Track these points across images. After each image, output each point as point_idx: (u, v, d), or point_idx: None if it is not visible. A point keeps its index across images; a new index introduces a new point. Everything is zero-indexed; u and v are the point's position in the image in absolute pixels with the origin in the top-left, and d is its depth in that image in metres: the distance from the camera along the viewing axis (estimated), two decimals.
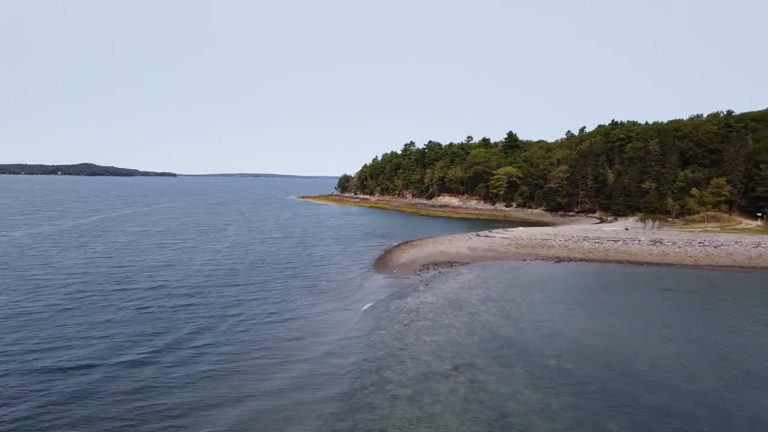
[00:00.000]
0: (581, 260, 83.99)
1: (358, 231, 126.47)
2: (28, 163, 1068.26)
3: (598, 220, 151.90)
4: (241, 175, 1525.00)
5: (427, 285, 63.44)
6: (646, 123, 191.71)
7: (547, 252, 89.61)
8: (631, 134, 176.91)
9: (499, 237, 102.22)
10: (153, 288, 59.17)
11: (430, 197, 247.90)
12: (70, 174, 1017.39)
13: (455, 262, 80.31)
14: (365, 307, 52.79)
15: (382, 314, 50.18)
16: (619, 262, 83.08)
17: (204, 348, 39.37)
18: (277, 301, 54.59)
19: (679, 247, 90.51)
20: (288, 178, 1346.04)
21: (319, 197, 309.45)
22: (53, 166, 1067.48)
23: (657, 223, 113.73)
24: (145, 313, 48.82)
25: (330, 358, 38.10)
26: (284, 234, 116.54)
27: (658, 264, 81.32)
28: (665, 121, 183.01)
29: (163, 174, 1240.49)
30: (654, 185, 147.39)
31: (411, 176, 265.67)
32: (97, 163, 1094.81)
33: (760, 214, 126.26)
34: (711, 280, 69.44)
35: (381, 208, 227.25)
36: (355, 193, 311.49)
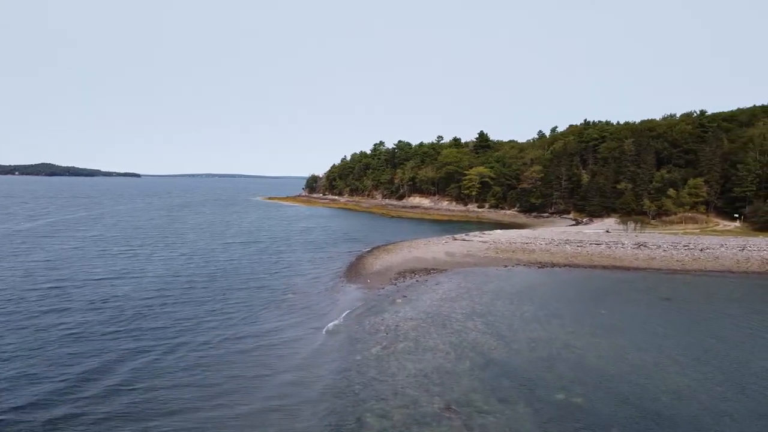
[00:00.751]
0: (565, 266, 79.22)
1: (327, 235, 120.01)
2: None
3: (574, 222, 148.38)
4: (208, 175, 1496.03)
5: (404, 296, 57.48)
6: (618, 123, 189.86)
7: (528, 257, 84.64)
8: (605, 134, 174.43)
9: (477, 241, 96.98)
10: (93, 306, 51.73)
11: (400, 198, 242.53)
12: (28, 174, 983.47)
13: (433, 269, 74.62)
14: (338, 326, 46.49)
15: (356, 334, 43.97)
16: (604, 267, 78.56)
17: (141, 394, 32.04)
18: (238, 322, 47.78)
19: (665, 250, 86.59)
20: (255, 179, 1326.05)
21: (287, 198, 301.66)
22: (10, 166, 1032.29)
23: (638, 225, 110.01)
24: (77, 339, 41.52)
25: (299, 404, 31.47)
26: (249, 239, 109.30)
27: (646, 269, 77.04)
28: (637, 121, 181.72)
29: (126, 174, 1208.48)
30: (630, 186, 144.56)
31: (381, 177, 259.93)
32: (56, 163, 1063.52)
33: (737, 215, 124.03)
34: (706, 288, 65.21)
35: (350, 209, 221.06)
36: (324, 194, 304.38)
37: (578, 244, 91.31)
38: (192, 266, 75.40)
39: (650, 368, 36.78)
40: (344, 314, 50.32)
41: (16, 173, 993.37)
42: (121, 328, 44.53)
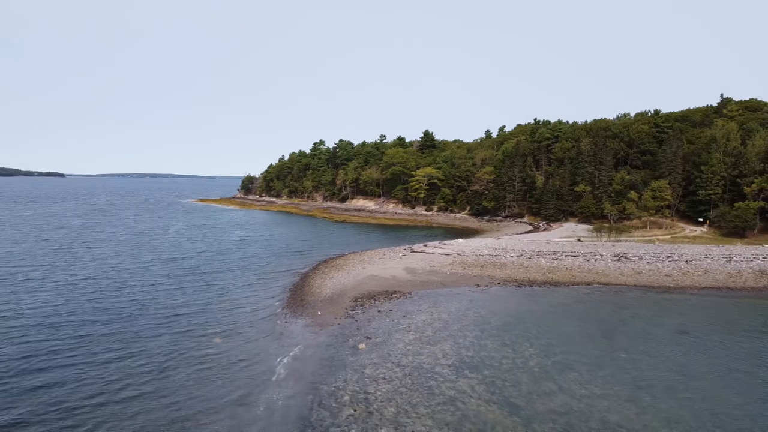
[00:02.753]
0: (545, 283, 68.45)
1: (266, 246, 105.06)
2: None
3: (531, 226, 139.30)
4: (138, 175, 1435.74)
5: (368, 338, 44.65)
6: (567, 122, 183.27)
7: (501, 273, 73.48)
8: (558, 133, 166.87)
9: (439, 253, 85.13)
10: None
11: (343, 200, 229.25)
12: None
13: (395, 292, 62.14)
14: (285, 398, 33.06)
15: (311, 415, 30.75)
16: (588, 284, 68.41)
17: None
18: (139, 402, 33.41)
19: (648, 262, 77.51)
20: (188, 179, 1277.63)
21: (221, 200, 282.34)
22: None
23: (613, 234, 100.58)
24: None
25: None
26: (173, 254, 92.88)
27: (635, 285, 67.39)
28: (588, 120, 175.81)
29: (49, 174, 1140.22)
30: (589, 188, 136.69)
31: (322, 177, 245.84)
32: None
33: (701, 219, 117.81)
34: (717, 312, 55.52)
35: (290, 212, 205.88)
36: (260, 196, 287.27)
37: (553, 257, 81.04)
38: (96, 296, 59.74)
39: None
40: (290, 374, 36.97)
41: None
42: None
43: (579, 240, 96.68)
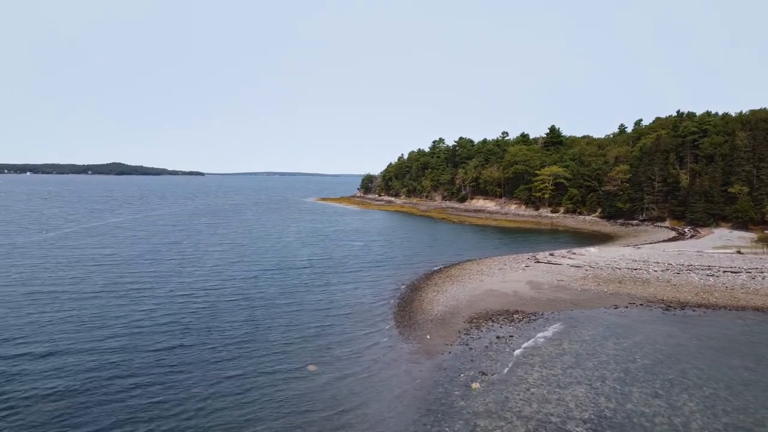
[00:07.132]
0: (699, 306, 57.08)
1: (382, 253, 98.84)
2: (60, 162, 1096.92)
3: (674, 232, 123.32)
4: (267, 173, 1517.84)
5: (483, 374, 37.60)
6: (716, 114, 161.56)
7: (643, 291, 62.78)
8: (707, 127, 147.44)
9: (568, 264, 75.57)
10: None
11: (462, 200, 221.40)
12: (100, 173, 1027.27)
13: (516, 312, 54.31)
14: None
15: None
16: (756, 309, 56.06)
17: None
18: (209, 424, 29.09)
19: None
20: (312, 177, 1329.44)
21: (340, 199, 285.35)
22: (84, 165, 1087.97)
23: None
24: None
25: None
26: (281, 262, 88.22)
27: None
28: (745, 111, 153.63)
29: (191, 173, 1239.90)
30: (746, 189, 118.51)
31: (440, 177, 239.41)
32: (126, 162, 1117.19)
33: None
34: None
35: (407, 212, 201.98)
36: (379, 195, 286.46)
37: (707, 272, 68.61)
38: (198, 312, 57.96)
39: None
40: (387, 423, 30.92)
41: (89, 172, 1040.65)
42: None
43: (739, 252, 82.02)
